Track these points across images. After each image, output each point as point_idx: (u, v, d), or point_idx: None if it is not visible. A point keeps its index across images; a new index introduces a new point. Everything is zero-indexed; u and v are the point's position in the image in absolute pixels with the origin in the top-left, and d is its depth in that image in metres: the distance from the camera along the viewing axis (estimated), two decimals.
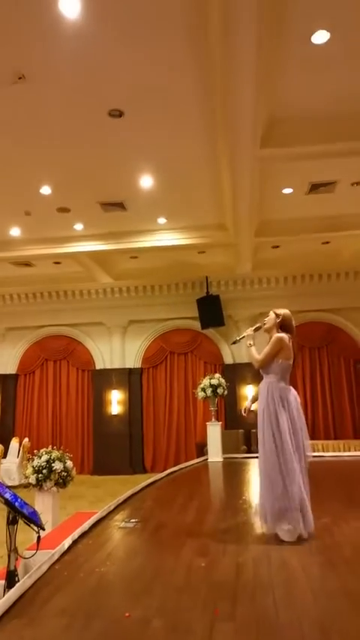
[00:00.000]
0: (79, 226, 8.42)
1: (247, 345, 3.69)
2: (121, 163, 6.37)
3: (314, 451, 9.55)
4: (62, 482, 4.59)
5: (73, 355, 12.00)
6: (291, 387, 3.53)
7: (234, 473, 6.83)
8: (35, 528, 2.90)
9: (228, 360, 11.51)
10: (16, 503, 2.87)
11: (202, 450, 10.57)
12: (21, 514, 2.84)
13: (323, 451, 9.57)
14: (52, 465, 4.58)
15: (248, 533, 3.41)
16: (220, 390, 7.74)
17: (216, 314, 11.15)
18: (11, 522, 2.97)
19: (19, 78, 4.63)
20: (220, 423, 7.96)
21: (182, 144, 5.96)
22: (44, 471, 4.53)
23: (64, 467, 4.63)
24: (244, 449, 9.96)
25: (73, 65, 4.51)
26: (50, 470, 4.55)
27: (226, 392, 7.95)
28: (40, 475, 4.52)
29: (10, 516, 2.97)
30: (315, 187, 7.18)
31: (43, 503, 4.51)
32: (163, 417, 11.56)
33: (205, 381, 7.80)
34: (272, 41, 4.22)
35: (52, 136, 5.65)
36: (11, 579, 2.91)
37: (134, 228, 8.66)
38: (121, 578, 2.66)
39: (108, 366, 11.80)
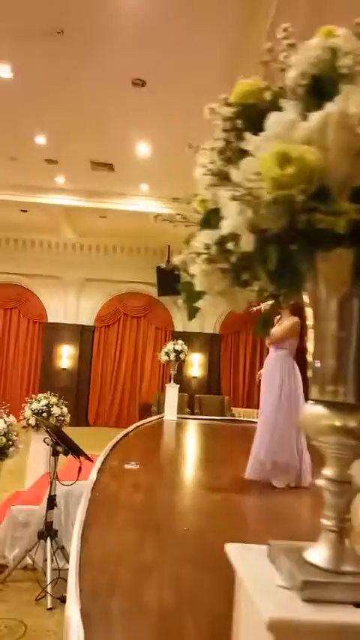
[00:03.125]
0: (60, 179, 8.42)
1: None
2: (127, 128, 6.54)
3: (248, 417, 10.54)
4: (60, 425, 4.94)
5: (25, 305, 11.95)
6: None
7: (193, 430, 7.52)
8: (80, 459, 3.31)
9: (178, 327, 12.08)
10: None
11: (147, 409, 11.20)
12: (71, 445, 3.23)
13: (253, 417, 10.61)
14: (51, 409, 4.92)
15: (244, 478, 4.04)
16: (182, 356, 8.30)
17: (174, 283, 11.56)
18: (54, 454, 3.36)
19: (58, 32, 4.69)
20: (178, 385, 8.55)
21: (192, 122, 6.24)
22: (44, 414, 4.85)
23: (61, 412, 4.99)
24: (188, 411, 10.70)
25: (109, 29, 4.65)
26: (49, 414, 4.89)
27: (186, 357, 8.53)
28: (39, 418, 4.84)
29: (52, 449, 3.36)
30: None
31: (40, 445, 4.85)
32: (110, 376, 11.97)
33: (170, 346, 8.31)
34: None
35: (67, 89, 5.70)
36: (51, 502, 3.32)
37: (115, 190, 8.81)
38: (158, 503, 3.18)
39: (61, 321, 11.91)
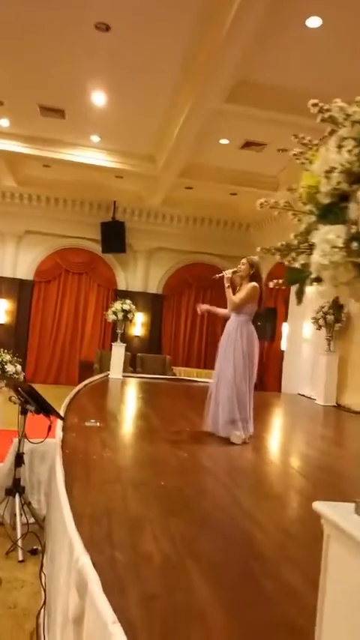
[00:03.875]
0: (4, 122, 7.86)
1: (226, 287, 4.30)
2: (82, 73, 6.19)
3: (188, 376, 10.87)
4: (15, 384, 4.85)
5: None
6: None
7: (140, 389, 7.67)
8: (50, 417, 3.31)
9: (122, 286, 11.99)
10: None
11: (88, 367, 11.15)
12: (42, 404, 3.21)
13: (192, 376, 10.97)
14: (5, 366, 4.80)
15: (200, 434, 4.24)
16: (130, 316, 8.32)
17: (118, 240, 11.43)
18: (22, 412, 3.34)
19: None
20: (125, 344, 8.58)
21: (151, 72, 6.03)
22: None
23: (16, 370, 4.89)
24: (131, 370, 10.80)
25: None
26: (4, 371, 4.77)
27: (134, 317, 8.55)
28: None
29: (21, 407, 3.33)
30: (248, 144, 7.82)
31: None
32: (49, 332, 11.73)
33: (117, 305, 8.28)
34: (275, 14, 4.60)
35: (23, 29, 5.27)
36: (19, 459, 3.32)
37: (63, 139, 8.38)
38: (130, 461, 3.28)
39: None
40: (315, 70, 5.50)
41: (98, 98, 6.79)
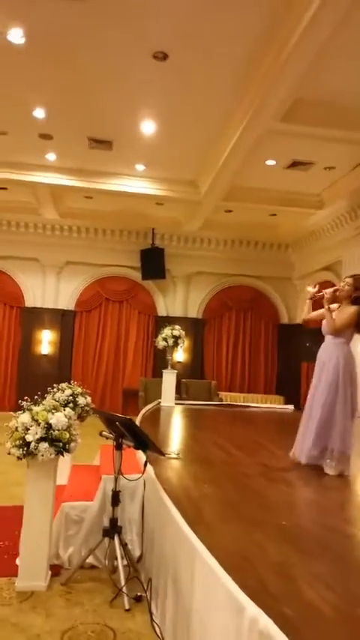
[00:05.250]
0: (51, 156, 7.98)
1: (325, 307, 3.97)
2: (134, 103, 6.25)
3: (234, 401, 10.63)
4: (85, 416, 4.74)
5: (1, 289, 11.38)
6: None
7: (199, 416, 7.49)
8: (146, 453, 3.16)
9: (162, 312, 11.92)
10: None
11: (131, 395, 11.03)
12: (143, 440, 3.07)
13: (238, 401, 10.72)
14: (77, 399, 4.70)
15: (289, 465, 4.01)
16: (180, 341, 8.18)
17: (158, 266, 11.42)
18: (118, 448, 3.19)
19: None
20: (176, 371, 8.44)
21: (203, 99, 6.05)
22: (70, 405, 4.62)
23: (86, 402, 4.77)
24: (177, 396, 10.61)
25: None
26: (75, 404, 4.66)
27: (184, 343, 8.41)
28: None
29: (117, 442, 3.19)
30: (295, 164, 7.75)
31: None
32: (92, 362, 11.68)
33: (167, 331, 8.16)
34: (339, 28, 4.55)
35: (74, 59, 5.34)
36: (116, 498, 3.16)
37: (109, 170, 8.46)
38: (236, 496, 3.09)
39: (39, 305, 11.44)
40: None
41: (147, 127, 6.83)
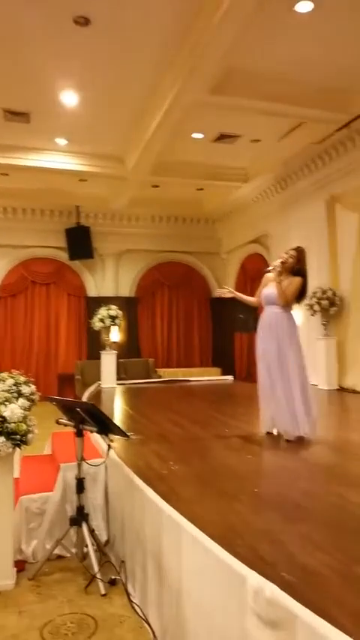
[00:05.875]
0: None
1: (277, 280, 4.00)
2: (54, 72, 5.88)
3: (174, 377, 10.71)
4: (31, 405, 4.52)
5: None
6: None
7: (144, 394, 7.44)
8: (109, 438, 3.07)
9: (92, 292, 11.63)
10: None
11: (68, 379, 10.71)
12: (108, 424, 2.97)
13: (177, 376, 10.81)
14: (20, 388, 4.46)
15: (248, 435, 4.09)
16: (117, 321, 8.04)
17: (85, 246, 11.08)
18: (79, 434, 3.09)
19: None
20: (116, 352, 8.30)
21: (127, 70, 5.82)
22: (15, 394, 4.38)
23: (31, 390, 4.55)
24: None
25: None
26: (20, 394, 4.42)
27: (122, 322, 8.28)
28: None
29: (77, 429, 3.08)
30: (222, 137, 7.75)
31: None
32: (22, 349, 11.19)
33: (103, 312, 7.99)
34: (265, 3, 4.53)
35: None
36: (81, 485, 3.07)
37: (27, 144, 7.97)
38: (204, 472, 3.09)
39: None
40: (298, 57, 5.49)
41: (68, 98, 6.48)
